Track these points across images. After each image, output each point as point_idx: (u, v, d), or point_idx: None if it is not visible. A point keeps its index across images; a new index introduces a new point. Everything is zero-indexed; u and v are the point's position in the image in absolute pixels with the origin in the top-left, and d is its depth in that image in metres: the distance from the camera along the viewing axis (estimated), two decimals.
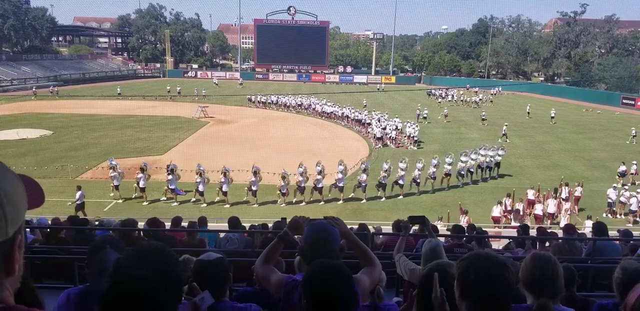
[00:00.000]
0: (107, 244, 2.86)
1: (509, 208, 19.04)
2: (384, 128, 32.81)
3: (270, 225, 10.45)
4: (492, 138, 35.61)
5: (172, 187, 20.03)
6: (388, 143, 32.31)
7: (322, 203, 20.62)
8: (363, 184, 20.83)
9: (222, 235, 9.70)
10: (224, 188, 19.93)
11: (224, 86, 71.23)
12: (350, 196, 21.28)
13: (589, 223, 17.15)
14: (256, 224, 11.38)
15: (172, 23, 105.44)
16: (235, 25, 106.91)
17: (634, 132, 35.51)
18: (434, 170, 22.32)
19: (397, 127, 34.54)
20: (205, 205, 20.05)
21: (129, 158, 25.45)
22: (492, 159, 24.74)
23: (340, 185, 20.74)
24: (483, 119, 42.28)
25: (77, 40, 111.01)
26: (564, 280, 4.02)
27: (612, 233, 11.01)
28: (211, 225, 12.11)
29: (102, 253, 2.79)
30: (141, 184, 19.91)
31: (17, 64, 75.28)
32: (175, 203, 20.14)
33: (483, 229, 12.72)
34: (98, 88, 63.85)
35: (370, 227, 10.23)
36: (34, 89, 55.40)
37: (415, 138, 32.17)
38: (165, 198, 20.60)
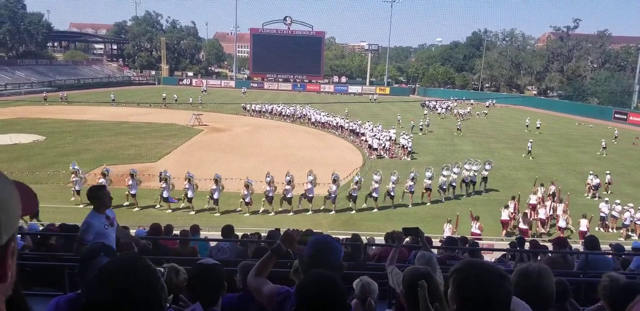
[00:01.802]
0: (100, 251, 2.84)
1: (512, 211, 19.60)
2: (379, 138, 32.90)
3: (263, 234, 10.43)
4: (485, 150, 35.78)
5: (133, 192, 20.08)
6: (382, 153, 32.37)
7: (291, 213, 20.40)
8: (332, 195, 20.57)
9: (213, 243, 9.64)
10: (189, 195, 20.03)
11: (218, 94, 71.36)
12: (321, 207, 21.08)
13: (584, 222, 18.41)
14: (248, 233, 11.34)
15: (168, 30, 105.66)
16: (232, 33, 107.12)
17: (604, 143, 36.32)
18: (412, 183, 21.82)
19: (390, 137, 34.64)
20: (170, 211, 20.16)
21: (122, 165, 25.33)
22: (476, 174, 24.27)
23: (310, 195, 20.50)
24: (458, 129, 43.40)
25: (72, 46, 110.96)
26: (557, 294, 4.02)
27: (605, 247, 11.03)
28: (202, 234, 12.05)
29: (97, 260, 2.77)
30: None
31: (11, 68, 75.05)
32: (169, 211, 20.14)
33: (475, 241, 12.75)
34: (92, 94, 63.76)
35: (363, 238, 10.20)
36: (44, 94, 56.37)
37: (409, 149, 32.25)
38: (159, 206, 20.54)
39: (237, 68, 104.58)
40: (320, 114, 44.50)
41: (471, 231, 17.82)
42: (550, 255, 9.17)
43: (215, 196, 19.89)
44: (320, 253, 2.82)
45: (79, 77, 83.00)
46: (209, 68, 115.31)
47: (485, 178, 24.64)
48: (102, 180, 19.70)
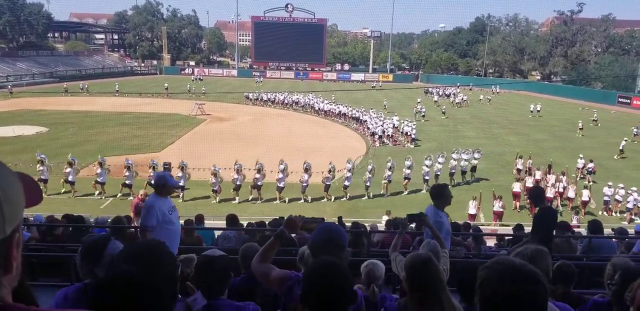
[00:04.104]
0: (111, 237, 2.90)
1: (529, 184, 20.74)
2: (382, 126, 32.83)
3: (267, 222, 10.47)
4: (488, 136, 35.75)
5: (100, 179, 20.13)
6: (385, 141, 32.32)
7: (258, 202, 20.33)
8: (304, 184, 20.33)
9: (218, 233, 9.71)
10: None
11: (220, 83, 71.14)
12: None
13: (586, 192, 19.80)
14: (253, 222, 11.40)
15: (169, 20, 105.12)
16: (233, 22, 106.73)
17: (580, 124, 37.21)
18: (389, 173, 21.41)
19: (394, 125, 34.57)
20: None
21: (126, 156, 25.36)
22: (466, 163, 23.64)
23: (280, 185, 20.29)
24: (443, 113, 44.28)
25: (73, 37, 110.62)
26: (563, 277, 4.05)
27: (607, 231, 11.05)
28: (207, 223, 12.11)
29: (111, 245, 2.82)
30: (70, 178, 20.01)
31: (12, 60, 74.96)
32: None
33: (478, 227, 12.77)
34: (95, 85, 63.69)
35: (366, 225, 10.25)
36: (65, 85, 56.87)
37: (413, 136, 32.18)
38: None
39: (239, 57, 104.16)
40: (323, 102, 44.41)
41: (494, 209, 18.44)
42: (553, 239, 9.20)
43: (181, 183, 19.86)
44: (328, 239, 2.86)
45: (81, 67, 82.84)
46: (211, 57, 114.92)
47: (474, 168, 24.01)
48: (69, 170, 19.89)
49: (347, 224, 10.37)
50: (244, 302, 3.03)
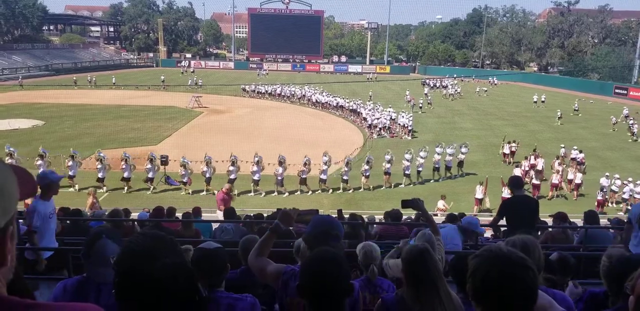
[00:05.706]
0: (103, 234, 2.87)
1: (526, 168, 21.63)
2: (378, 118, 32.81)
3: (265, 215, 10.49)
4: (485, 127, 35.74)
5: (71, 173, 20.23)
6: (382, 133, 32.30)
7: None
8: (279, 178, 20.15)
9: (215, 225, 9.71)
10: (126, 175, 20.21)
11: (216, 76, 70.90)
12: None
13: (579, 175, 20.84)
14: (251, 214, 11.41)
15: (165, 12, 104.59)
16: (229, 14, 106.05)
17: (559, 113, 38.11)
18: (367, 167, 21.08)
19: (391, 116, 34.53)
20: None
21: (123, 149, 25.29)
22: (451, 157, 23.16)
23: (255, 177, 20.15)
24: (429, 103, 45.12)
25: (68, 29, 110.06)
26: (560, 268, 4.06)
27: (604, 221, 11.10)
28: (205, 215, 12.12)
29: (100, 243, 2.80)
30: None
31: (7, 53, 74.57)
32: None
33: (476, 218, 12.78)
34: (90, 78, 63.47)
35: (364, 217, 10.26)
36: (74, 78, 56.68)
37: (410, 128, 32.16)
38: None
39: (236, 49, 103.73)
40: (322, 94, 44.28)
41: (502, 196, 18.50)
42: (550, 229, 9.23)
43: (150, 175, 20.10)
44: (323, 231, 2.86)
45: (76, 60, 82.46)
46: (207, 49, 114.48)
47: (461, 162, 23.45)
48: (40, 162, 19.88)
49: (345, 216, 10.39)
50: (242, 294, 3.03)
